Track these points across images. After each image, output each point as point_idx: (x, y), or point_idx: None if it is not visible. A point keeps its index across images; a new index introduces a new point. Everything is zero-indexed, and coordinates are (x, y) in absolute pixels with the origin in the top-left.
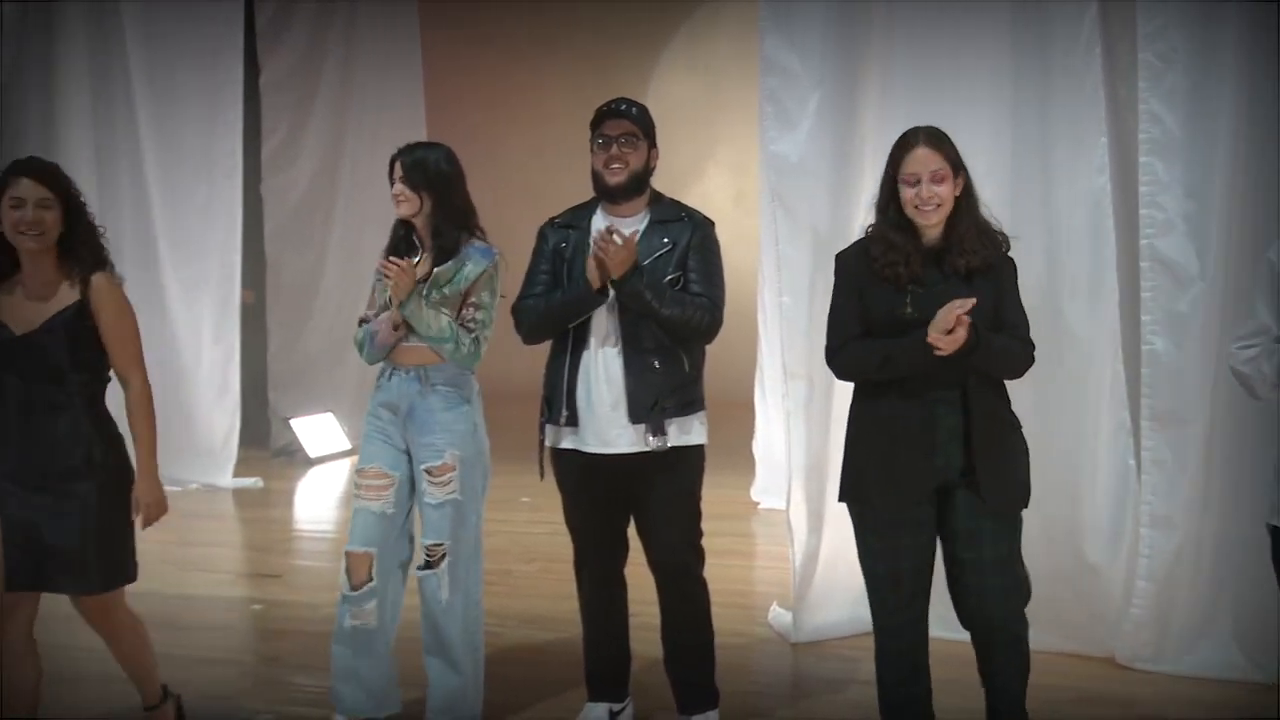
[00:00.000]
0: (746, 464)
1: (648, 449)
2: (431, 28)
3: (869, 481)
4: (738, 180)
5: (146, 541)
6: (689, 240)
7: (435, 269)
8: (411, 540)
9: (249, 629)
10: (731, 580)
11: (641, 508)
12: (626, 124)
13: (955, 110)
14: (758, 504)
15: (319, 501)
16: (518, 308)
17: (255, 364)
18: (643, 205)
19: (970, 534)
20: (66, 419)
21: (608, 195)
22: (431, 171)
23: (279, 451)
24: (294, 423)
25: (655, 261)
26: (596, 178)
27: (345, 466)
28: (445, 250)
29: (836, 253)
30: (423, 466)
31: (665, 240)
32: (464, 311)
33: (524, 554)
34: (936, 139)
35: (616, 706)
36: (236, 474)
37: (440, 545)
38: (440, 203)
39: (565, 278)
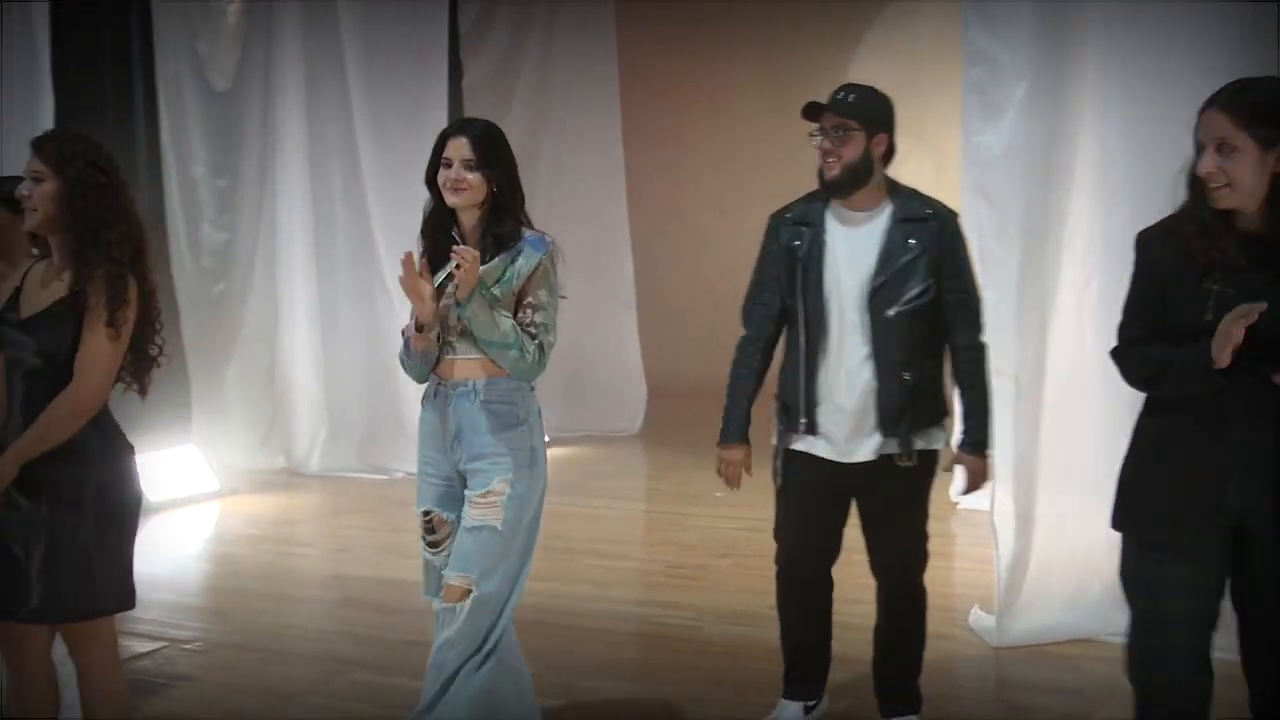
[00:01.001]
0: None
1: (886, 454)
2: (626, 28)
3: (1139, 505)
4: (938, 173)
5: (355, 529)
6: (939, 243)
7: (481, 268)
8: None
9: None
10: (930, 581)
11: (872, 514)
12: (833, 115)
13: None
14: (956, 504)
15: None
16: (748, 310)
17: None
18: (879, 198)
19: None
20: None
21: (827, 191)
22: (502, 149)
23: None
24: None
25: (900, 269)
26: (820, 173)
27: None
28: (499, 242)
29: (1138, 231)
30: (471, 494)
31: (912, 243)
32: (520, 314)
33: (717, 549)
34: (1235, 100)
35: (811, 704)
36: None
37: (467, 578)
38: (505, 186)
39: (799, 282)
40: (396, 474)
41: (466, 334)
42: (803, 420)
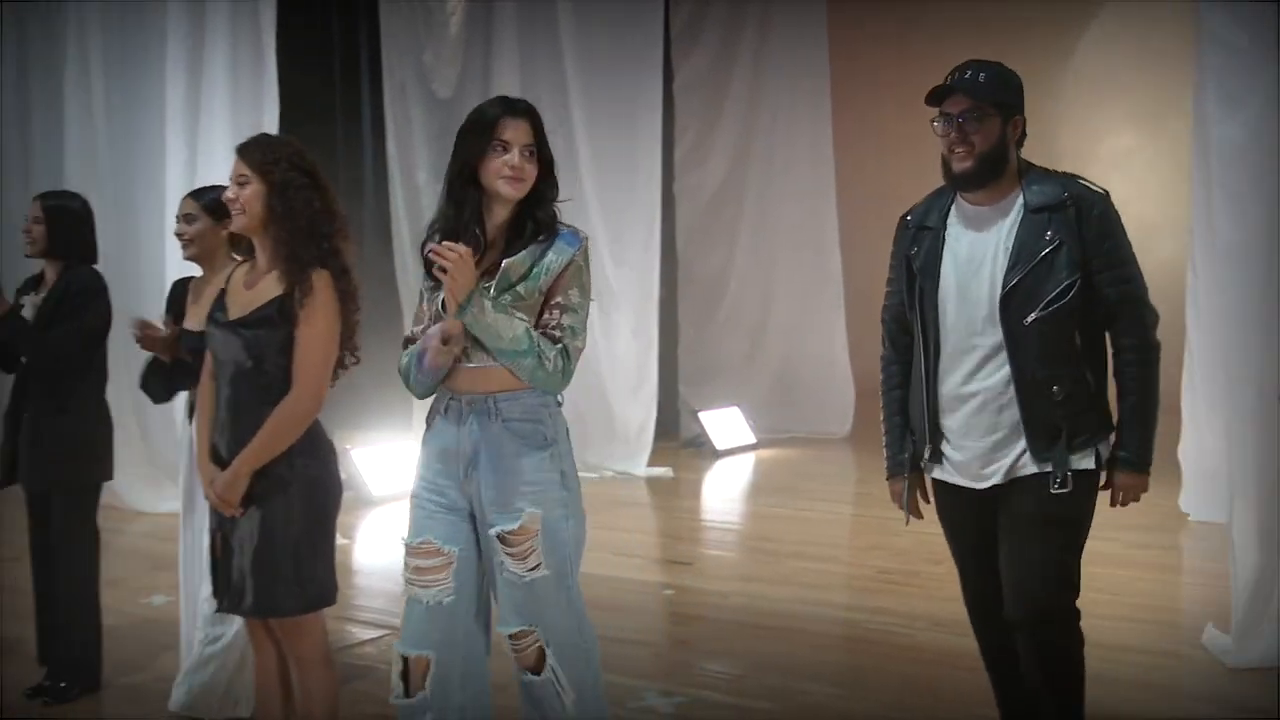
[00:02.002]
0: (1172, 471)
1: (1030, 473)
2: (837, 27)
3: None
4: (1171, 162)
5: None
6: (1081, 230)
7: (505, 260)
8: (488, 630)
9: (661, 612)
10: (1158, 596)
11: (1007, 540)
12: (963, 99)
13: None
14: (1187, 516)
15: (725, 493)
16: (883, 324)
17: (666, 358)
18: (1009, 189)
19: None
20: None
21: (955, 186)
22: (544, 133)
23: (688, 443)
24: (702, 415)
25: (1037, 267)
26: (944, 164)
27: (751, 460)
28: (537, 232)
29: None
30: (494, 531)
31: (1049, 235)
32: (545, 316)
33: (931, 555)
34: None
35: None
36: (649, 463)
37: (529, 632)
38: (549, 172)
39: (917, 294)
40: (606, 473)
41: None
42: (928, 448)
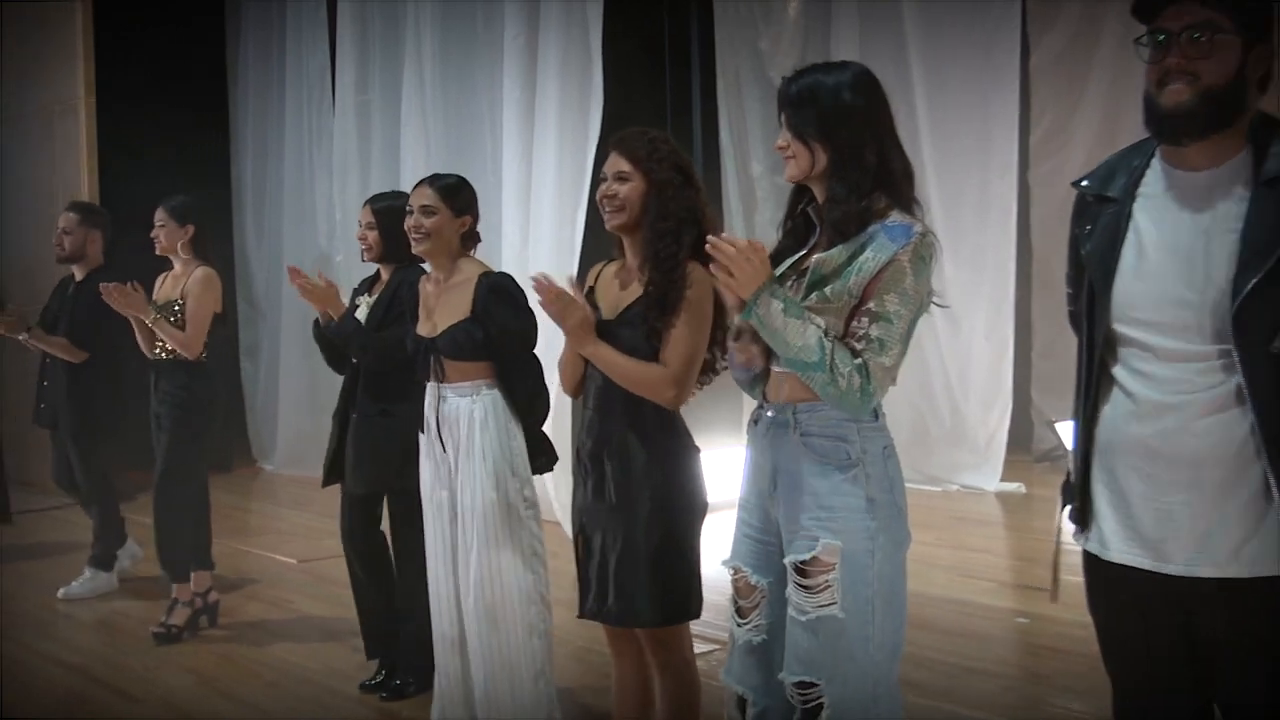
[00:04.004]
0: None
1: (1238, 575)
2: None
3: None
4: None
5: (915, 544)
6: None
7: (815, 255)
8: None
9: (1013, 641)
10: None
11: (1221, 662)
12: (1192, 8)
13: None
14: None
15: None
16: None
17: (1018, 363)
18: (1236, 149)
19: None
20: None
21: (1161, 131)
22: (829, 108)
23: (1042, 456)
24: (1059, 426)
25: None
26: (1147, 103)
27: None
28: (846, 225)
29: None
30: (788, 560)
31: None
32: (853, 323)
33: None
34: None
35: None
36: (1001, 478)
37: (813, 687)
38: (846, 153)
39: (1085, 293)
40: (951, 486)
41: None
42: (1076, 503)
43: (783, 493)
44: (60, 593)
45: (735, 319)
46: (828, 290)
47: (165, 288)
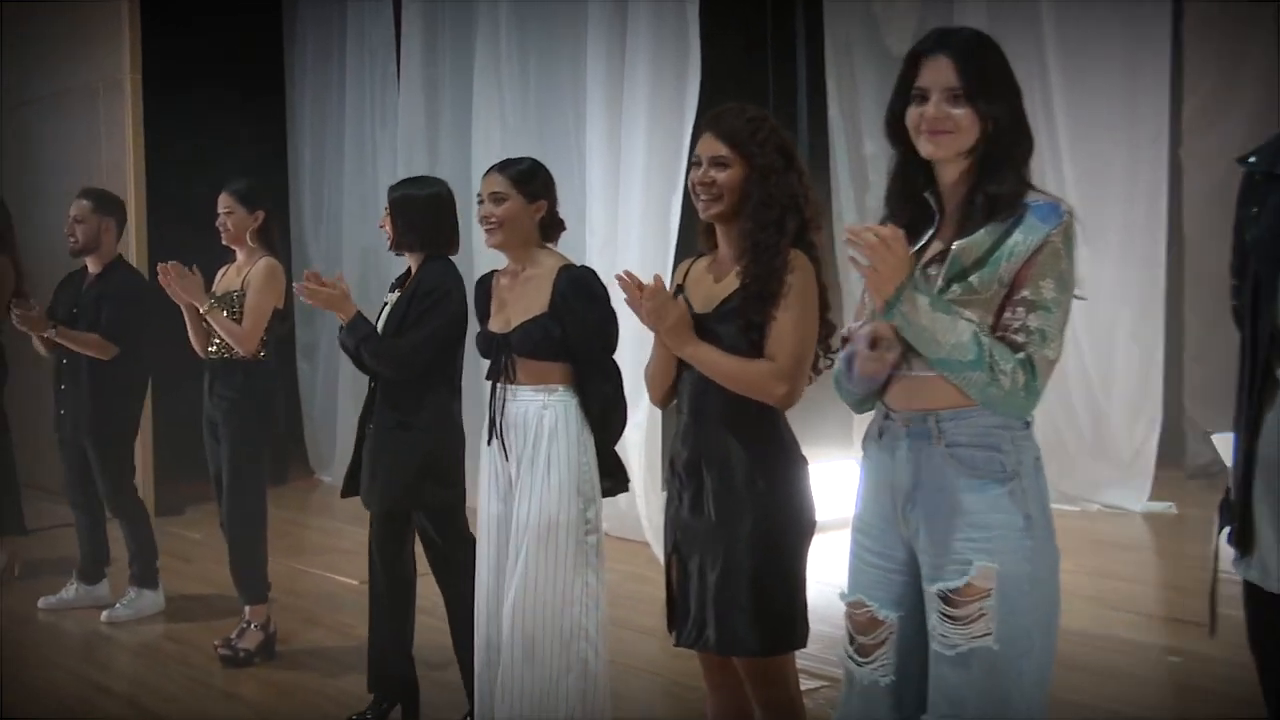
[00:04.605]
0: None
1: None
2: None
3: None
4: None
5: (1068, 573)
6: None
7: (956, 243)
8: None
9: (1164, 683)
10: None
11: None
12: None
13: None
14: None
15: None
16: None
17: (1169, 367)
18: None
19: None
20: None
21: None
22: (999, 69)
23: (1196, 472)
24: (1215, 439)
25: None
26: None
27: None
28: (992, 206)
29: None
30: (934, 588)
31: None
32: (1006, 314)
33: None
34: None
35: None
36: (1149, 496)
37: None
38: (1006, 124)
39: (1246, 280)
40: (1091, 506)
41: None
42: (1234, 528)
43: (922, 512)
44: (104, 616)
45: (876, 322)
46: (974, 280)
47: (226, 278)
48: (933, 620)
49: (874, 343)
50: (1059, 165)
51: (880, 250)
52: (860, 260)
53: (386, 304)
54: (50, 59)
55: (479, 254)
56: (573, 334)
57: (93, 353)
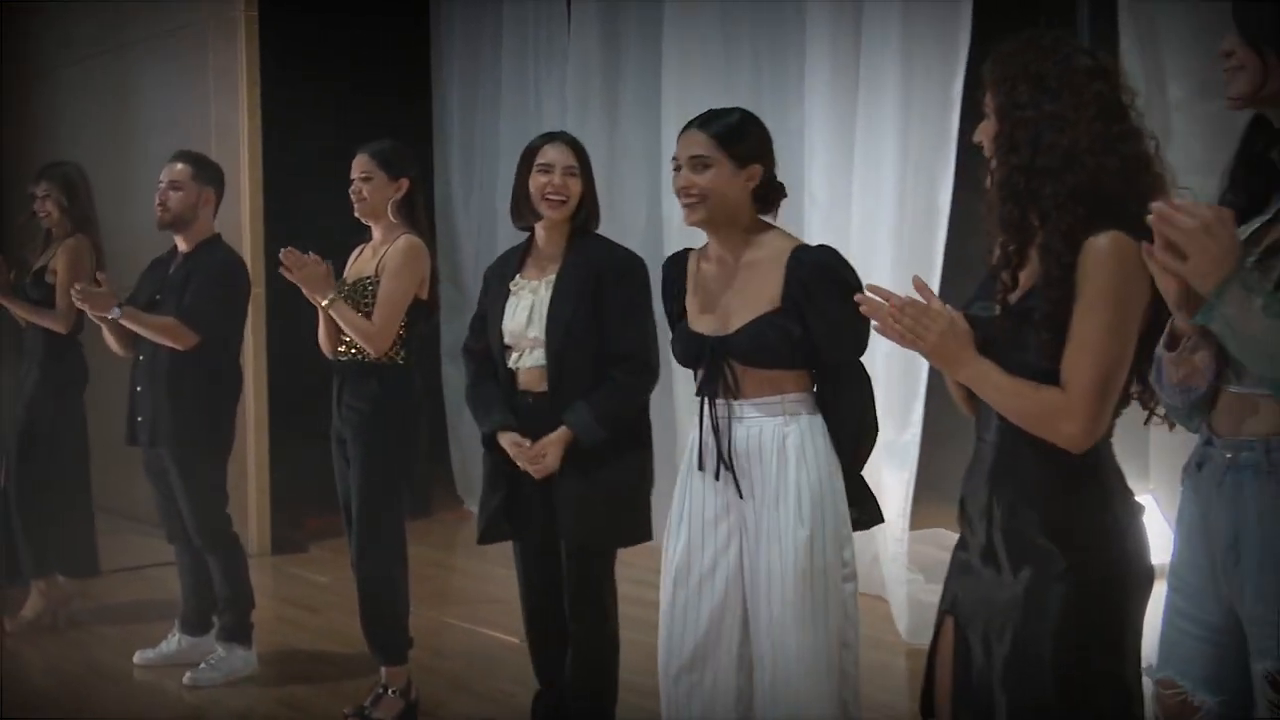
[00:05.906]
0: None
1: None
2: None
3: None
4: None
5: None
6: None
7: None
8: None
9: None
10: None
11: None
12: None
13: None
14: None
15: None
16: None
17: None
18: None
19: None
20: None
21: None
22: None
23: None
24: None
25: None
26: None
27: None
28: None
29: None
30: (1263, 667)
31: None
32: None
33: None
34: None
35: None
36: None
37: None
38: None
39: None
40: None
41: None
42: None
43: (1248, 568)
44: (186, 679)
45: (1178, 320)
46: None
47: (360, 262)
48: (1262, 709)
49: (1173, 340)
50: None
51: (1198, 237)
52: (1169, 253)
53: (513, 294)
54: None
55: (670, 224)
56: (818, 333)
57: (167, 340)
